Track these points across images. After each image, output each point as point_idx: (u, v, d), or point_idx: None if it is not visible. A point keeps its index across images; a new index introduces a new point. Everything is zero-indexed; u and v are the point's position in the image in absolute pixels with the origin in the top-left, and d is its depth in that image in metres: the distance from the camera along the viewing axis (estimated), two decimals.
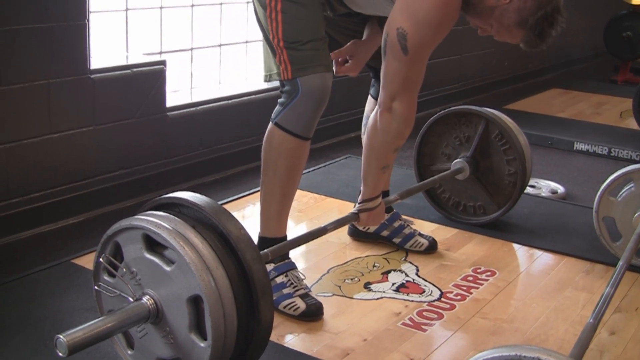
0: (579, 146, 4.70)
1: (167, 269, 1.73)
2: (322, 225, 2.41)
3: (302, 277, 2.50)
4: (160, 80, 3.38)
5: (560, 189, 3.86)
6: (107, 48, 3.48)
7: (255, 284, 1.75)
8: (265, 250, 2.13)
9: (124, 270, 1.82)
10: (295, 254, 2.56)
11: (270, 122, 2.40)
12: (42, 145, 2.97)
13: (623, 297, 2.63)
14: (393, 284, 2.66)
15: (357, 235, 2.96)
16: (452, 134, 3.20)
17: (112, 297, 1.85)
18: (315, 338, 2.30)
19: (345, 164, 3.90)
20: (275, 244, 2.30)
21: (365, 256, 2.87)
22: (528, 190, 3.79)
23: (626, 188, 2.85)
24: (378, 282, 2.67)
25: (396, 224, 2.91)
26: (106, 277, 1.87)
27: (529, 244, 3.06)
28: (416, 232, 2.92)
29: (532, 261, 2.95)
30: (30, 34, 2.85)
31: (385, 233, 2.91)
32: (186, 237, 1.72)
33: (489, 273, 2.78)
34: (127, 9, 3.50)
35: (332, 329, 2.35)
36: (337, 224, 2.45)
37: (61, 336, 1.60)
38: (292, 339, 2.30)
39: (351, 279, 2.68)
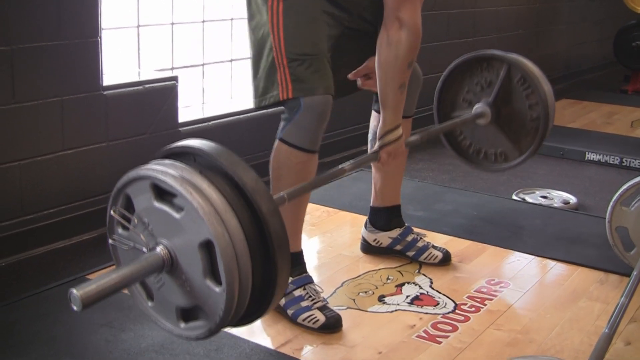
0: (590, 156, 4.69)
1: (177, 216, 1.69)
2: (340, 166, 2.34)
3: (320, 290, 2.51)
4: (172, 96, 3.40)
5: (572, 199, 3.86)
6: (119, 64, 3.50)
7: (271, 235, 1.71)
8: (282, 194, 2.07)
9: (136, 221, 1.78)
10: (309, 268, 2.56)
11: (276, 139, 2.41)
12: (56, 162, 2.99)
13: (638, 307, 2.62)
14: (407, 297, 2.66)
15: (371, 251, 2.96)
16: (474, 80, 3.11)
17: (127, 250, 1.81)
18: (330, 351, 2.30)
19: (357, 177, 3.90)
20: (292, 258, 2.31)
21: (379, 269, 2.87)
22: (540, 201, 3.79)
23: (639, 198, 2.84)
24: (392, 294, 2.67)
25: (409, 238, 2.91)
26: (120, 231, 1.83)
27: (542, 254, 3.06)
28: (429, 245, 2.92)
29: (545, 272, 2.95)
30: (43, 52, 2.87)
31: (398, 247, 2.91)
32: (193, 182, 1.68)
33: (502, 284, 2.78)
34: (138, 26, 3.52)
35: (347, 342, 2.35)
36: (356, 164, 2.39)
37: (74, 290, 1.55)
38: (307, 353, 2.30)
39: (365, 292, 2.68)
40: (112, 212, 1.81)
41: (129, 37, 3.52)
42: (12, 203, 2.89)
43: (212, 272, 1.68)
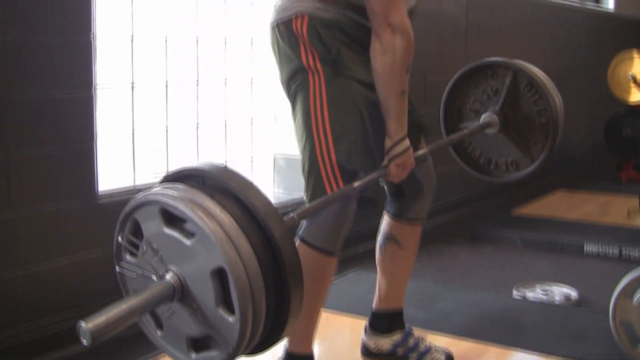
0: (589, 248, 4.67)
1: (188, 242, 1.63)
2: (350, 185, 2.28)
3: None
4: None
5: (573, 293, 3.82)
6: (115, 169, 3.50)
7: (284, 262, 1.64)
8: (291, 214, 2.00)
9: (145, 248, 1.71)
10: None
11: (296, 238, 2.39)
12: (51, 271, 2.96)
13: None
14: None
15: (371, 356, 2.87)
16: (479, 89, 3.04)
17: (136, 278, 1.74)
18: None
19: (355, 279, 3.86)
20: None
21: None
22: (541, 296, 3.75)
23: None
24: None
25: (410, 342, 2.84)
26: (128, 257, 1.77)
27: (546, 353, 2.99)
28: (432, 347, 2.86)
29: None
30: (39, 159, 2.88)
31: (400, 352, 2.84)
32: (205, 207, 1.61)
33: None
34: (133, 130, 3.54)
35: None
36: (365, 182, 2.31)
37: (83, 323, 1.49)
38: None
39: None
40: (119, 239, 1.76)
41: (124, 141, 3.53)
42: (6, 314, 2.84)
43: (225, 300, 1.62)
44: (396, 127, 2.39)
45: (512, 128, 3.00)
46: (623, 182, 7.02)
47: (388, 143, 2.40)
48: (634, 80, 6.77)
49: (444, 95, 3.11)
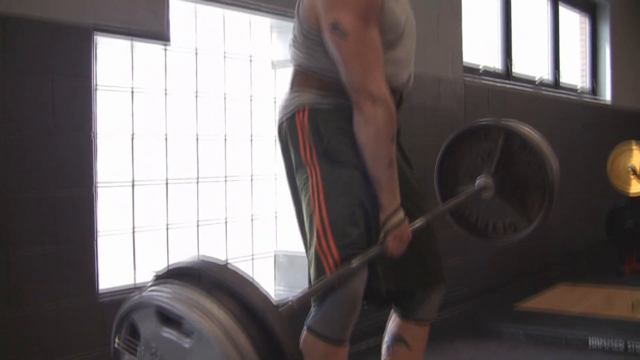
0: (594, 343, 4.60)
1: (187, 342, 1.59)
2: (348, 264, 2.24)
3: None
4: None
5: None
6: (115, 267, 3.50)
7: (286, 356, 1.61)
8: (290, 302, 1.98)
9: (143, 349, 1.68)
10: None
11: (305, 327, 2.35)
12: None
13: None
14: None
15: None
16: (472, 152, 2.96)
17: None
18: None
19: None
20: None
21: None
22: None
23: None
24: None
25: None
26: (127, 358, 1.73)
27: None
28: None
29: None
30: (39, 258, 2.88)
31: None
32: (202, 305, 1.59)
33: None
34: (133, 230, 3.54)
35: None
36: (364, 259, 2.26)
37: None
38: None
39: None
40: (116, 343, 1.74)
41: (124, 239, 3.53)
42: None
43: None
44: (389, 197, 2.35)
45: (508, 190, 2.92)
46: (626, 275, 6.96)
47: (382, 216, 2.36)
48: (634, 171, 6.80)
49: (438, 159, 3.05)
